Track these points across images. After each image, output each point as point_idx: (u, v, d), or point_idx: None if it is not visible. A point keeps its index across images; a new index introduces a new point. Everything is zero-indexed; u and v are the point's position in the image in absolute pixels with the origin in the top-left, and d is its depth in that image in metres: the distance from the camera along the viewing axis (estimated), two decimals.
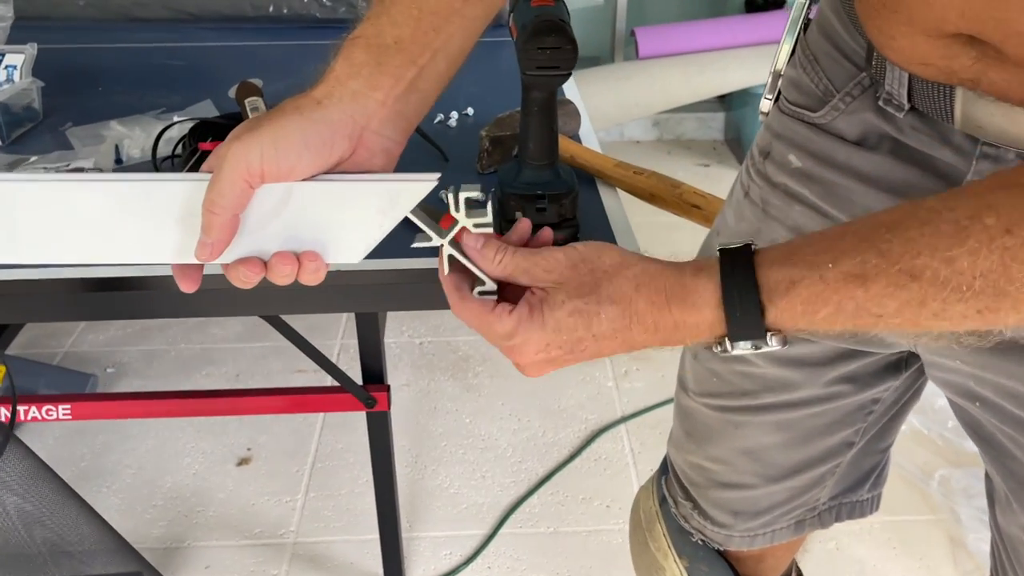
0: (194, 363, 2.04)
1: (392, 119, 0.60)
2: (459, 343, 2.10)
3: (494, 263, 0.58)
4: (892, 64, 0.60)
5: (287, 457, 1.78)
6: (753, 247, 0.53)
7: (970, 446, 1.78)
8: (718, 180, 2.91)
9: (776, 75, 0.76)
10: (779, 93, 0.76)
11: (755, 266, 0.52)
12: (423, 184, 0.60)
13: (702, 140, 3.16)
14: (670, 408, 1.96)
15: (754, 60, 2.72)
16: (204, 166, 0.59)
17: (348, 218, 0.60)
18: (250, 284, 0.60)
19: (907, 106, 0.61)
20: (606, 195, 1.00)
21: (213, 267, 0.86)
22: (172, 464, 1.77)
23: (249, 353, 2.07)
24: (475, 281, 0.61)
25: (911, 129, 0.62)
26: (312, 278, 0.60)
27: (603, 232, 0.93)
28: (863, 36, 0.64)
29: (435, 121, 1.17)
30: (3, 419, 1.13)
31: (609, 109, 2.78)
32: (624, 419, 1.88)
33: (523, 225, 0.61)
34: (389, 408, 1.25)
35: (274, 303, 0.94)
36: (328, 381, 1.97)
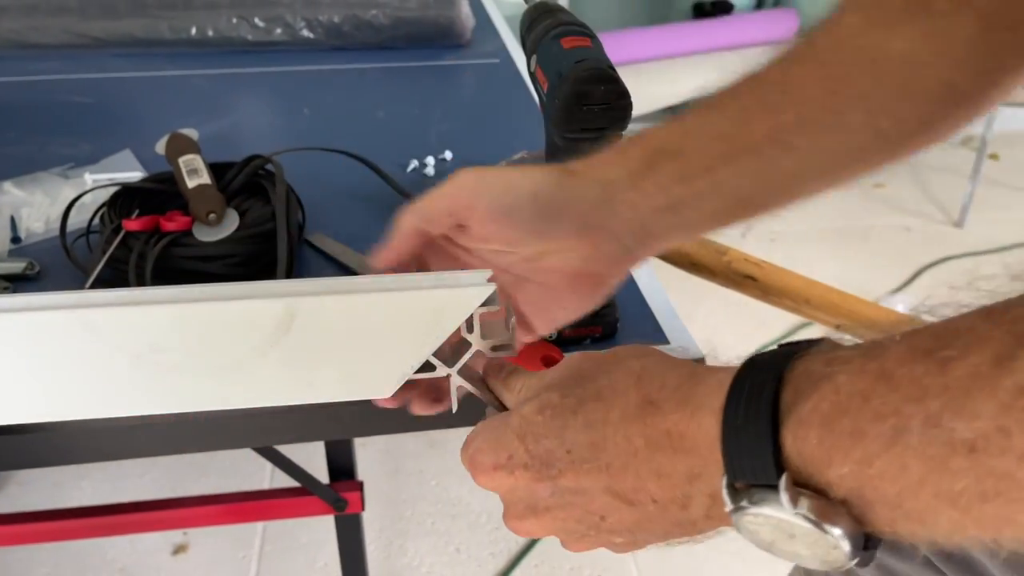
0: None
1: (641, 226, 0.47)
2: None
3: (516, 391, 0.44)
4: None
5: (230, 540, 1.56)
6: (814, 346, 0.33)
7: None
8: None
9: None
10: None
11: (793, 358, 0.32)
12: (476, 290, 0.44)
13: None
14: None
15: (706, 68, 2.60)
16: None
17: (373, 342, 0.44)
18: None
19: None
20: None
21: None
22: (95, 558, 1.53)
23: None
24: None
25: None
26: None
27: (637, 308, 0.75)
28: None
29: (409, 170, 0.98)
30: None
31: None
32: None
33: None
34: (363, 508, 1.05)
35: (194, 440, 0.71)
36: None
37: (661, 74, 2.59)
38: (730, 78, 0.46)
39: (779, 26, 2.67)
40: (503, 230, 0.46)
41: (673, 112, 2.92)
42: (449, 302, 0.44)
